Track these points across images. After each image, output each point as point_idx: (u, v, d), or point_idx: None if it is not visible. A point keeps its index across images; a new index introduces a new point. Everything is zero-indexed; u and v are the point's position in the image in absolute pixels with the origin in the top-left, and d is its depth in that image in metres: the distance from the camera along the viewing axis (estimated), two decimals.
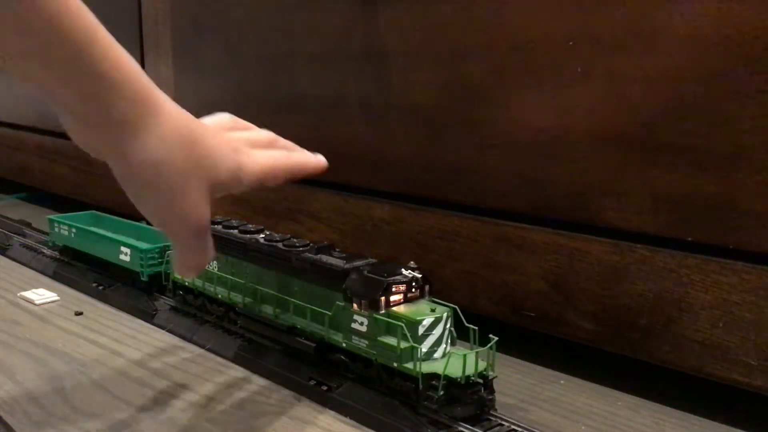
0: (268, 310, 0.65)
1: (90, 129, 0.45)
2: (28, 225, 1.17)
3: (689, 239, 0.54)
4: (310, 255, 0.62)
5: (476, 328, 0.54)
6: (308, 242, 0.65)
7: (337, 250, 0.63)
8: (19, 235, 1.09)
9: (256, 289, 0.66)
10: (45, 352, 0.68)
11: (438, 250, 0.70)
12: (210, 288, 0.71)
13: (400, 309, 0.55)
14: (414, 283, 0.56)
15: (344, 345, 0.58)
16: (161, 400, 0.59)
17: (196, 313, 0.74)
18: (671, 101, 0.54)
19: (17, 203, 1.42)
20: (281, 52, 0.84)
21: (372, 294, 0.55)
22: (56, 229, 0.94)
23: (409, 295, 0.56)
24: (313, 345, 0.60)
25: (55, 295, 0.84)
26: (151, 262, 0.79)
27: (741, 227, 0.52)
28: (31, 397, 0.59)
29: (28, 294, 0.84)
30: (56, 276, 0.91)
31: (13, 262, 0.99)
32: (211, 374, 0.64)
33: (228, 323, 0.70)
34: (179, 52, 0.99)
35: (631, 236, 0.58)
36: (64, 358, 0.67)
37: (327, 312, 0.59)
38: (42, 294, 0.84)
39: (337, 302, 0.58)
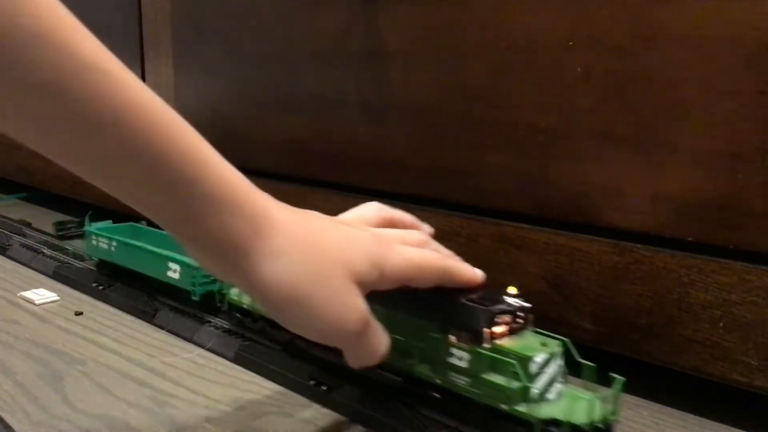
0: None
1: (205, 253, 0.42)
2: (28, 225, 1.17)
3: (689, 239, 0.54)
4: None
5: (593, 365, 0.48)
6: None
7: None
8: (19, 235, 1.09)
9: None
10: (45, 352, 0.68)
11: None
12: None
13: (507, 343, 0.48)
14: (520, 314, 0.50)
15: (439, 382, 0.51)
16: (161, 400, 0.59)
17: (258, 340, 0.67)
18: (671, 101, 0.54)
19: (17, 203, 1.42)
20: (281, 52, 0.84)
21: (474, 325, 0.48)
22: (94, 242, 0.87)
23: (513, 326, 0.50)
24: (400, 380, 0.55)
25: (55, 295, 0.84)
26: (203, 280, 0.72)
27: (741, 227, 0.52)
28: (31, 397, 0.59)
29: (28, 294, 0.84)
30: (56, 276, 0.91)
31: (13, 262, 0.99)
32: (211, 374, 0.64)
33: (295, 350, 0.63)
34: (179, 52, 0.99)
35: (631, 236, 0.58)
36: (64, 358, 0.67)
37: (418, 344, 0.52)
38: (42, 294, 0.84)
39: (431, 333, 0.51)
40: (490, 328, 0.48)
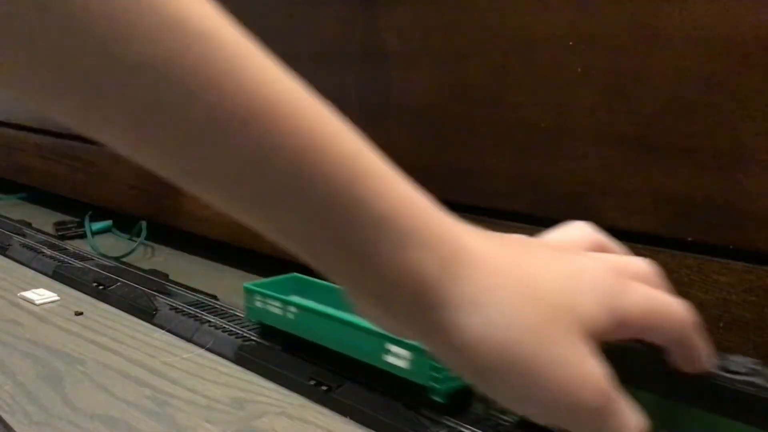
0: None
1: (376, 303, 0.29)
2: (28, 225, 1.17)
3: (689, 239, 0.54)
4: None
5: None
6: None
7: None
8: (19, 235, 1.09)
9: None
10: (45, 352, 0.68)
11: None
12: None
13: None
14: None
15: None
16: (161, 400, 0.59)
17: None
18: (671, 101, 0.54)
19: (17, 203, 1.42)
20: (281, 52, 0.84)
21: None
22: (258, 303, 0.66)
23: None
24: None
25: (55, 295, 0.84)
26: (446, 373, 0.52)
27: (741, 227, 0.52)
28: (31, 397, 0.59)
29: (28, 294, 0.84)
30: (56, 276, 0.91)
31: (13, 262, 0.99)
32: (211, 374, 0.64)
33: None
34: None
35: (631, 236, 0.57)
36: (64, 358, 0.67)
37: None
38: (42, 294, 0.84)
39: None
40: None
